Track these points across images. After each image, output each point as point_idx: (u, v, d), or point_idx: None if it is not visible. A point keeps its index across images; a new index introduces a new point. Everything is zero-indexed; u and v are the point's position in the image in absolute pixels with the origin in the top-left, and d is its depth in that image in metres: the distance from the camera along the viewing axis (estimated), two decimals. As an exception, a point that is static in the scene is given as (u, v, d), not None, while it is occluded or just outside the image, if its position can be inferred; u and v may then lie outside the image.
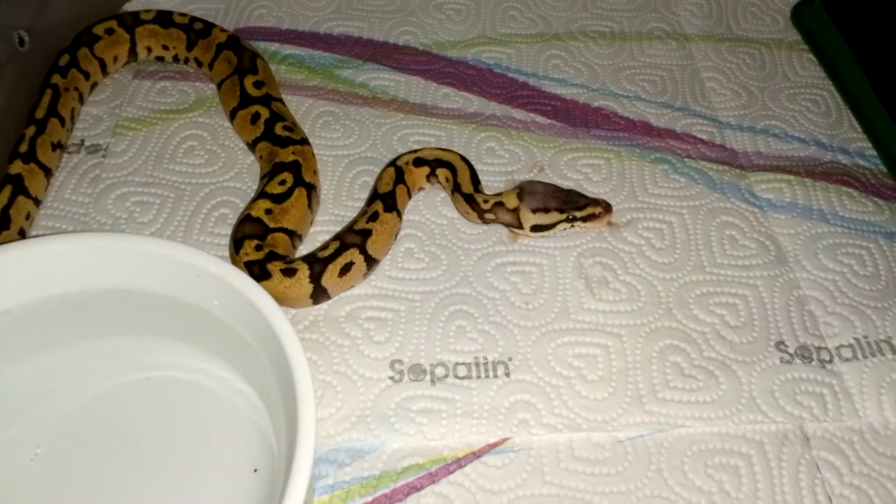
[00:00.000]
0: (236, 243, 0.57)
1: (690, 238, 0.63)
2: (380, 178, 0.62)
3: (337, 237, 0.58)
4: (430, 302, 0.58)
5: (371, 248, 0.57)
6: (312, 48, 0.77)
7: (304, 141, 0.64)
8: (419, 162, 0.63)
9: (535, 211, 0.59)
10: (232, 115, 0.68)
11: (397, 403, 0.53)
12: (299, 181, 0.60)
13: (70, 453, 0.46)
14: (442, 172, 0.63)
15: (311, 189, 0.61)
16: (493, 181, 0.66)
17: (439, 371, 0.55)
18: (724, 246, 0.63)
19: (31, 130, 0.62)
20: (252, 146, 0.66)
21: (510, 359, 0.56)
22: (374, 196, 0.61)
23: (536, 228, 0.60)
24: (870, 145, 0.71)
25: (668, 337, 0.57)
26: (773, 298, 0.60)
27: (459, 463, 0.50)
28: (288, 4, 0.81)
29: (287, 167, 0.61)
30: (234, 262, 0.56)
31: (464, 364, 0.55)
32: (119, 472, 0.46)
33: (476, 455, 0.51)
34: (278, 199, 0.59)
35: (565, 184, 0.66)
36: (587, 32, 0.81)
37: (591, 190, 0.66)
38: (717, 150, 0.70)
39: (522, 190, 0.61)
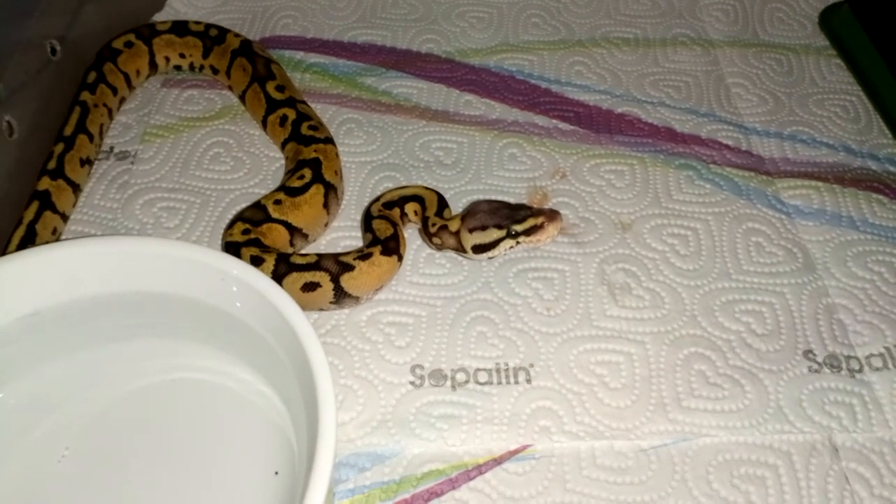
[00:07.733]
0: (231, 223, 0.57)
1: (716, 245, 0.63)
2: (375, 228, 0.58)
3: (322, 256, 0.56)
4: (452, 307, 0.58)
5: (346, 282, 0.55)
6: (336, 57, 0.78)
7: (329, 140, 0.64)
8: (389, 205, 0.60)
9: (472, 230, 0.55)
10: (263, 123, 0.69)
11: (418, 408, 0.53)
12: (318, 178, 0.60)
13: (96, 454, 0.47)
14: (410, 207, 0.60)
15: (331, 188, 0.61)
16: (515, 187, 0.66)
17: (460, 376, 0.55)
18: (751, 253, 0.62)
19: (59, 147, 0.63)
20: (282, 148, 0.67)
21: (532, 365, 0.55)
22: (374, 239, 0.57)
23: (477, 249, 0.56)
24: (901, 151, 0.70)
25: (693, 345, 0.57)
26: (800, 306, 0.59)
27: (480, 469, 0.50)
28: (313, 14, 0.82)
29: (308, 164, 0.61)
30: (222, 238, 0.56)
31: (485, 370, 0.55)
32: (142, 473, 0.46)
33: (497, 461, 0.51)
34: (293, 192, 0.59)
35: (588, 190, 0.66)
36: (611, 39, 0.80)
37: (614, 196, 0.66)
38: (744, 156, 0.69)
39: (468, 211, 0.58)
